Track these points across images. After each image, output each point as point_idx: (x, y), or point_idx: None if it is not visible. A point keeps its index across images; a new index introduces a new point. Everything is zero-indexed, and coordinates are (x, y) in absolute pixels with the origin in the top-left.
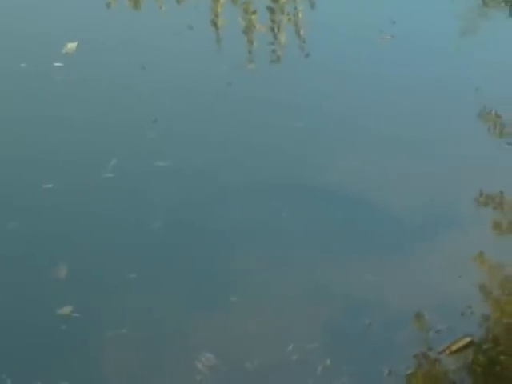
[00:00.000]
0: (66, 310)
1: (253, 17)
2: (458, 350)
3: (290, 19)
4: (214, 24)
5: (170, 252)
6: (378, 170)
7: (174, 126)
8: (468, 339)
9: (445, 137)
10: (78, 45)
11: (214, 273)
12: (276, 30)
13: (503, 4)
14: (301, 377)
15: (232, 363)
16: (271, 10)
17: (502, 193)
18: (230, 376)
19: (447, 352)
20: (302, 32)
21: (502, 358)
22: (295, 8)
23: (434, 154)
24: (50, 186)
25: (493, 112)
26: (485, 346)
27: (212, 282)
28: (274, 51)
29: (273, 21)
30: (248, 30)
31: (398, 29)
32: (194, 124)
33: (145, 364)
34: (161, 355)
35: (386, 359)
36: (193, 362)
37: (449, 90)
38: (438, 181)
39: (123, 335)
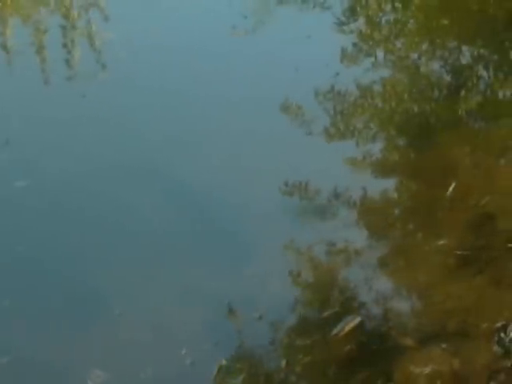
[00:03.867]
0: None
1: (43, 37)
2: (350, 332)
3: (85, 35)
4: (4, 47)
5: (40, 273)
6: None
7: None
8: (358, 319)
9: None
10: None
11: (90, 288)
12: (71, 46)
13: None
14: (198, 379)
15: (125, 376)
16: (64, 28)
17: (306, 180)
18: None
19: (340, 335)
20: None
21: (393, 333)
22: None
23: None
24: None
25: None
26: (374, 324)
27: (89, 298)
28: (70, 68)
29: (68, 38)
30: (40, 49)
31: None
32: None
33: None
34: (48, 380)
35: (280, 351)
36: (83, 381)
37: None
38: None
39: (5, 364)
